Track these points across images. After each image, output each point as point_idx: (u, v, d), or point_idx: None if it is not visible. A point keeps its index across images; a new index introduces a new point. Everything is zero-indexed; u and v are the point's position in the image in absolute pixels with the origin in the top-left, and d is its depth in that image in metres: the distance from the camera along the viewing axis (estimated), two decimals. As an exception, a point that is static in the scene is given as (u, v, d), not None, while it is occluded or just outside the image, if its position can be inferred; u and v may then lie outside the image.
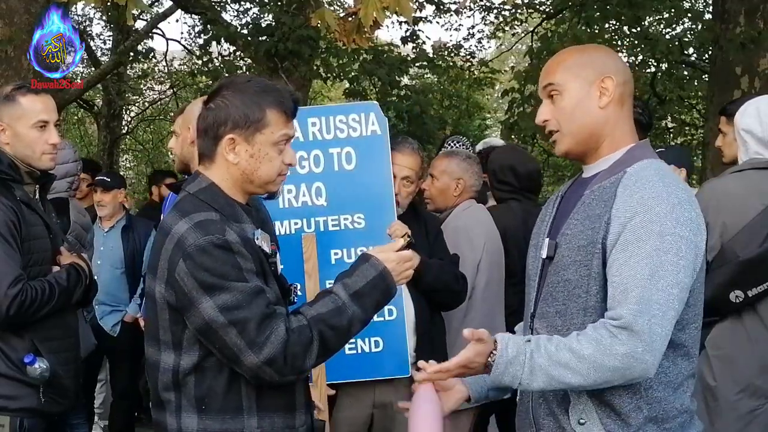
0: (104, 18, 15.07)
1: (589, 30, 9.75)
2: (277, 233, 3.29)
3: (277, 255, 2.24)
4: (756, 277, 2.99)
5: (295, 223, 3.35)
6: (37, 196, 3.11)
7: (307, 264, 3.25)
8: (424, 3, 13.12)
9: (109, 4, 6.03)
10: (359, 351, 3.36)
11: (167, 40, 15.10)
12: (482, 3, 13.82)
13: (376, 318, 3.26)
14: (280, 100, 2.16)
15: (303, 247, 3.24)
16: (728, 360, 3.07)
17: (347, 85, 11.49)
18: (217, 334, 2.01)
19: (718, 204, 3.09)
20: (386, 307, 3.27)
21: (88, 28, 15.97)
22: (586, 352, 1.90)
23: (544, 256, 2.13)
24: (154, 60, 15.67)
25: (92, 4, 5.69)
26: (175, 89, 16.53)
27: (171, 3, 13.14)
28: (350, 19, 4.81)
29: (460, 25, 22.22)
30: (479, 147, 5.29)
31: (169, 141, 3.39)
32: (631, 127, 2.16)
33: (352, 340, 3.27)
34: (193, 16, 12.99)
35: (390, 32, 66.17)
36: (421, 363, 2.22)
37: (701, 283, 2.06)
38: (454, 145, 4.96)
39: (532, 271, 2.21)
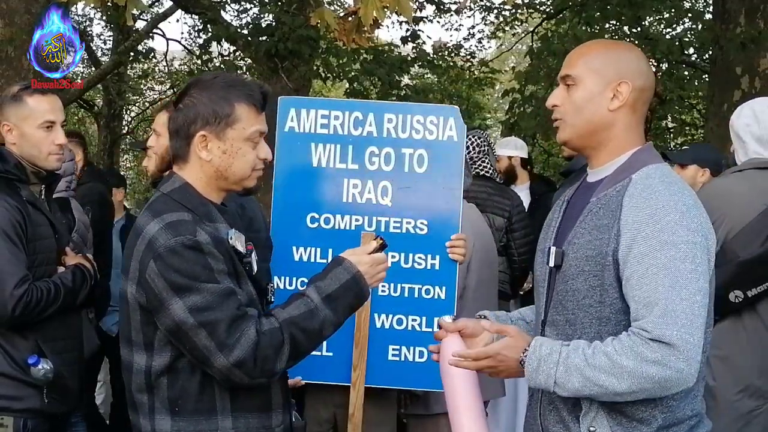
0: (104, 18, 15.05)
1: (589, 30, 9.74)
2: (336, 227, 3.27)
3: (253, 255, 2.22)
4: (755, 277, 2.99)
5: (356, 220, 3.29)
6: (42, 197, 3.11)
7: None
8: (425, 3, 13.12)
9: (109, 4, 6.02)
10: (402, 359, 3.29)
11: (167, 40, 15.10)
12: (482, 3, 13.82)
13: (425, 329, 3.26)
14: (248, 93, 2.15)
15: (360, 245, 3.20)
16: (728, 360, 3.07)
17: (347, 85, 11.49)
18: (187, 335, 2.00)
19: (720, 203, 3.08)
20: (435, 319, 3.27)
21: (88, 28, 15.97)
22: (621, 358, 1.88)
23: (551, 264, 2.11)
24: (154, 60, 15.66)
25: (92, 4, 5.68)
26: (175, 89, 16.49)
27: (171, 3, 13.14)
28: (350, 18, 4.82)
29: (460, 25, 22.27)
30: None
31: (149, 140, 3.26)
32: (640, 132, 2.14)
33: (396, 347, 3.27)
34: (193, 16, 12.98)
35: (390, 32, 66.18)
36: (444, 321, 2.22)
37: (712, 286, 2.04)
38: (469, 140, 4.94)
39: (540, 278, 2.19)
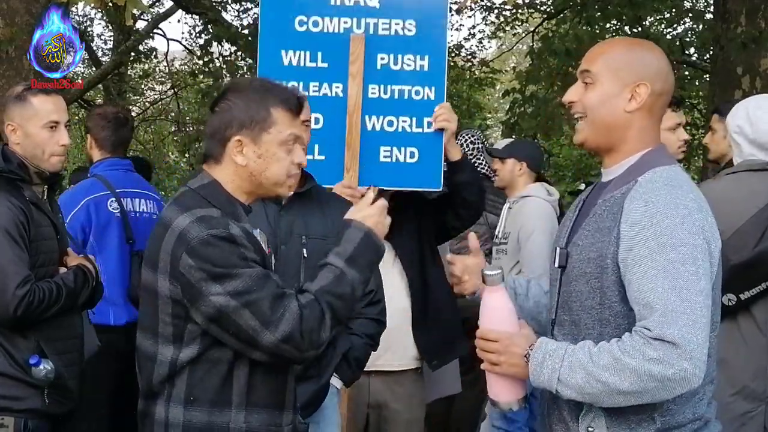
0: (105, 18, 15.06)
1: (590, 30, 9.74)
2: (324, 30, 3.26)
3: (272, 258, 2.26)
4: (747, 280, 2.95)
5: (345, 22, 3.27)
6: (45, 197, 3.11)
7: (353, 66, 3.19)
8: (425, 3, 13.09)
9: (109, 4, 6.02)
10: (394, 159, 3.30)
11: (168, 40, 15.05)
12: (483, 3, 13.81)
13: (415, 129, 3.27)
14: (284, 98, 2.17)
15: (350, 48, 3.15)
16: (723, 362, 3.04)
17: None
18: (230, 318, 2.01)
19: (713, 207, 3.06)
20: (425, 119, 3.26)
21: (88, 28, 15.96)
22: (624, 356, 1.86)
23: (556, 265, 2.12)
24: (155, 60, 15.67)
25: (92, 4, 5.68)
26: (176, 89, 16.51)
27: (172, 3, 13.14)
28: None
29: (461, 25, 22.14)
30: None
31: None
32: (654, 134, 2.11)
33: (387, 148, 3.27)
34: (194, 16, 12.98)
35: (391, 32, 66.05)
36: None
37: (718, 289, 2.03)
38: (464, 138, 5.01)
39: (551, 278, 2.20)
